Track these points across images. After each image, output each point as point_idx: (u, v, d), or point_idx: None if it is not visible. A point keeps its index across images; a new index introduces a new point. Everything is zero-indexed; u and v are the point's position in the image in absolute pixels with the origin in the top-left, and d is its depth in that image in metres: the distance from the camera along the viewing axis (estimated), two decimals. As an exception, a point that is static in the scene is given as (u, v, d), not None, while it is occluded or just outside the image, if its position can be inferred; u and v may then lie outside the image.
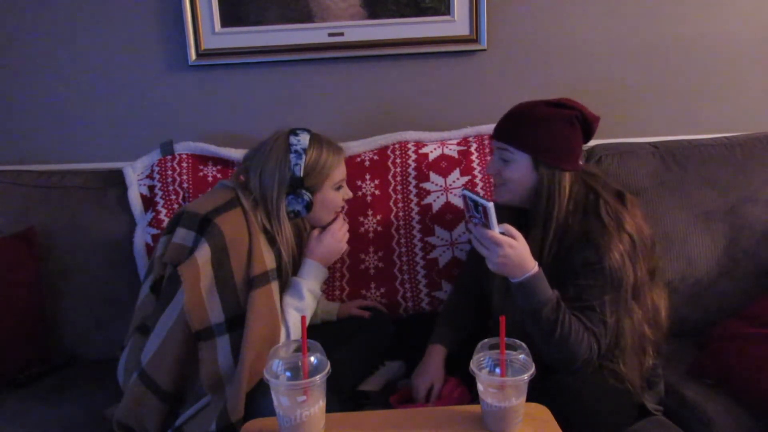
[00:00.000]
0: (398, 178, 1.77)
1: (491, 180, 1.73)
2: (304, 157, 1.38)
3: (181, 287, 1.28)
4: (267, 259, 1.35)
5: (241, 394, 1.24)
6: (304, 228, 1.46)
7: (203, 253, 1.28)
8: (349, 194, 1.52)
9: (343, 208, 1.62)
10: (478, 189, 1.74)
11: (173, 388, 1.30)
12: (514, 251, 1.19)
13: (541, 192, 1.31)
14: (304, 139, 1.40)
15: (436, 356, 1.44)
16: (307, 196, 1.39)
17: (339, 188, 1.47)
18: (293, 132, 1.42)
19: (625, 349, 1.29)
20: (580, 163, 1.36)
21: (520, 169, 1.33)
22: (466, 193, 1.21)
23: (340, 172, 1.45)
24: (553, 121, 1.31)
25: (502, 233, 1.20)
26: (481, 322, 1.49)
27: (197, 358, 1.28)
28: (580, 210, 1.31)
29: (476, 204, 1.18)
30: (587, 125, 1.34)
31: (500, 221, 1.20)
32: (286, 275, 1.41)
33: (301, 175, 1.38)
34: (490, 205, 1.15)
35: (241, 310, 1.30)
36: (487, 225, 1.19)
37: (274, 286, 1.35)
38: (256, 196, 1.39)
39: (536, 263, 1.23)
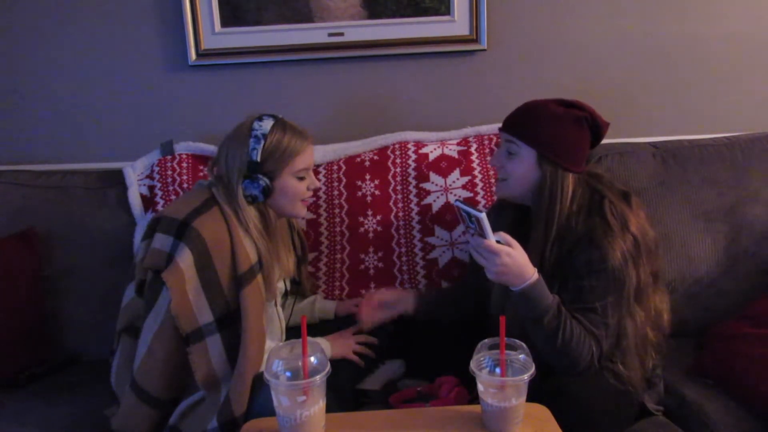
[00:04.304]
0: (398, 179, 1.77)
1: (491, 179, 1.74)
2: (263, 142, 1.36)
3: (162, 293, 1.28)
4: (251, 253, 1.34)
5: (246, 389, 1.24)
6: (268, 216, 1.42)
7: (185, 258, 1.27)
8: (316, 184, 1.47)
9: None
10: (478, 189, 1.74)
11: (166, 394, 1.30)
12: (512, 259, 1.18)
13: (543, 190, 1.31)
14: (266, 124, 1.38)
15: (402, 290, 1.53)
16: (263, 181, 1.36)
17: (302, 177, 1.42)
18: (259, 117, 1.40)
19: (627, 350, 1.28)
20: (584, 166, 1.35)
21: (524, 163, 1.32)
22: (459, 204, 1.20)
23: (302, 160, 1.40)
24: (563, 119, 1.31)
25: (499, 242, 1.19)
26: (473, 314, 1.50)
27: (188, 360, 1.27)
28: (584, 211, 1.30)
29: (470, 215, 1.18)
30: (596, 129, 1.34)
31: (504, 221, 1.18)
32: (266, 262, 1.39)
33: (258, 159, 1.36)
34: (483, 216, 1.14)
35: (229, 308, 1.30)
36: (482, 235, 1.18)
37: (260, 278, 1.35)
38: (224, 181, 1.38)
39: (535, 270, 1.22)
